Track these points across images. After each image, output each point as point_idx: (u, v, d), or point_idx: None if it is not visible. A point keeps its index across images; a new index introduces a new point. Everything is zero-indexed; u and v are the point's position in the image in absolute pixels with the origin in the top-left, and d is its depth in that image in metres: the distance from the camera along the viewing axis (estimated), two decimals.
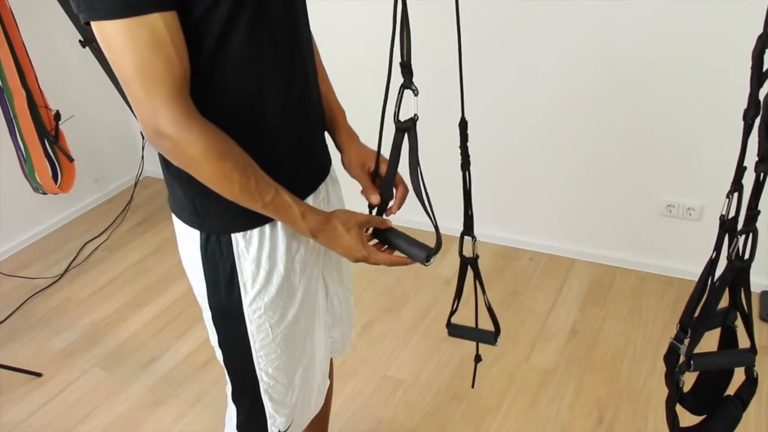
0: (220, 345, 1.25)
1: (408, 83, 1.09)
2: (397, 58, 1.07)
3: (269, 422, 1.30)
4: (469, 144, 1.18)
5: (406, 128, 1.13)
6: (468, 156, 1.19)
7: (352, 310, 1.52)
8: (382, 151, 1.22)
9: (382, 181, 1.23)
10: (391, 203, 1.24)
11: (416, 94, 1.10)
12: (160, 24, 0.87)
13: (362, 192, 1.25)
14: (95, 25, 0.88)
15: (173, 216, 1.18)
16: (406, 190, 1.24)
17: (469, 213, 1.25)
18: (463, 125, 1.17)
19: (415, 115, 1.12)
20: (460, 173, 1.20)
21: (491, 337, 1.35)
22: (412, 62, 1.09)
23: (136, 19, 0.86)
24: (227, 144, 0.97)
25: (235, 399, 1.32)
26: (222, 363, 1.28)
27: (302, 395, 1.32)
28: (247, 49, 0.99)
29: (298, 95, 1.10)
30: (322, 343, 1.35)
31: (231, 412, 1.35)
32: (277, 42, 1.03)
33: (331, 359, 1.55)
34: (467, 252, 1.27)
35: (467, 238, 1.26)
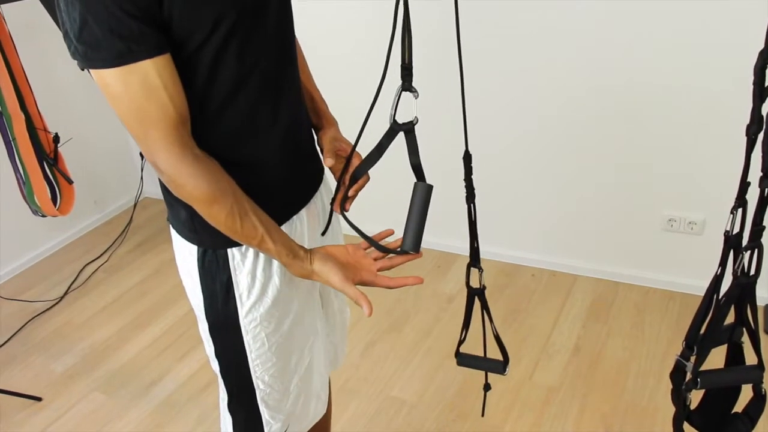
0: (217, 356, 1.26)
1: (408, 86, 1.08)
2: (396, 60, 1.06)
3: (266, 428, 1.31)
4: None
5: (407, 130, 1.11)
6: (473, 189, 1.18)
7: (346, 321, 1.53)
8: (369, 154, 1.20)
9: (358, 167, 1.21)
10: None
11: (416, 97, 1.09)
12: (152, 70, 0.90)
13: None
14: (92, 72, 0.91)
15: (172, 231, 1.20)
16: (368, 179, 1.23)
17: (475, 245, 1.24)
18: (467, 158, 1.16)
19: (415, 117, 1.11)
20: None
21: (500, 367, 1.34)
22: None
23: (129, 66, 0.88)
24: (216, 187, 1.00)
25: (231, 408, 1.32)
26: (218, 373, 1.29)
27: (300, 402, 1.33)
28: (237, 78, 1.00)
29: (288, 114, 1.12)
30: (321, 352, 1.36)
31: (226, 422, 1.35)
32: (267, 65, 1.05)
33: None
34: (474, 283, 1.26)
35: (474, 269, 1.25)
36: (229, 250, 1.13)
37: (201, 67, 0.96)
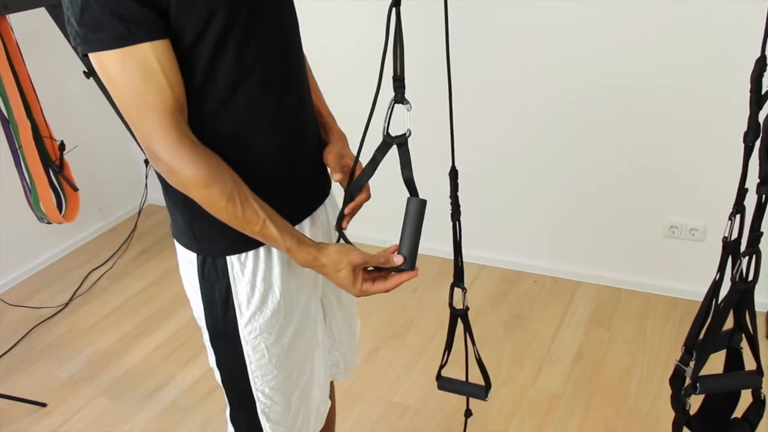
0: (218, 365, 1.26)
1: (400, 98, 1.07)
2: (388, 72, 1.05)
3: None
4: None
5: (400, 143, 1.10)
6: (458, 206, 1.16)
7: (356, 334, 1.52)
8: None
9: (352, 183, 1.20)
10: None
11: (409, 109, 1.08)
12: (150, 54, 0.91)
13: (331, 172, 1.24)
14: (92, 57, 0.92)
15: (174, 240, 1.20)
16: (368, 197, 1.22)
17: (460, 264, 1.22)
18: (454, 174, 1.14)
19: (407, 130, 1.10)
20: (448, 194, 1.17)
21: (482, 392, 1.30)
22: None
23: (128, 49, 0.89)
24: (216, 172, 0.99)
25: (233, 418, 1.33)
26: (220, 383, 1.29)
27: (301, 415, 1.32)
28: (235, 78, 1.01)
29: (289, 120, 1.12)
30: (321, 364, 1.35)
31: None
32: (267, 68, 1.05)
33: (331, 381, 1.54)
34: (457, 304, 1.24)
35: (457, 289, 1.23)
36: (228, 259, 1.12)
37: (198, 64, 0.97)
